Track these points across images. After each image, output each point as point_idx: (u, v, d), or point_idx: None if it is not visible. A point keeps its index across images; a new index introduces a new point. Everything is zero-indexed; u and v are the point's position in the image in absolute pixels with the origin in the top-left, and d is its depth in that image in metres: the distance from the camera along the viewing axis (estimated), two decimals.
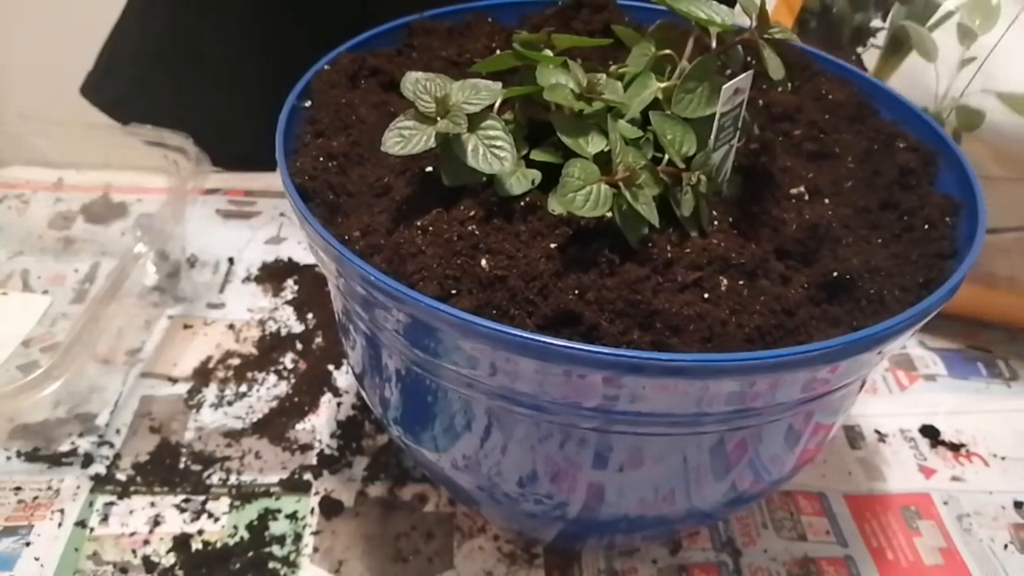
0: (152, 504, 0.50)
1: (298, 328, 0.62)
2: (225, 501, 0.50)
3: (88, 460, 0.52)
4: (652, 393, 0.33)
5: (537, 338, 0.32)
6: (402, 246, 0.37)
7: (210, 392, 0.57)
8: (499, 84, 0.39)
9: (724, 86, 0.38)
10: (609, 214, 0.36)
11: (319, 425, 0.55)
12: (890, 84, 0.57)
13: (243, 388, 0.57)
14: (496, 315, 0.34)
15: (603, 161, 0.37)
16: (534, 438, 0.37)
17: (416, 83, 0.39)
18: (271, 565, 0.47)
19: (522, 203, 0.38)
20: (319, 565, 0.47)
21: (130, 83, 0.87)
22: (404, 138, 0.38)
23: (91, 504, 0.50)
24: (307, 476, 0.52)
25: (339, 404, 0.57)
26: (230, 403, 0.56)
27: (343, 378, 0.58)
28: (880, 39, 0.58)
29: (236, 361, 0.59)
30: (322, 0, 0.78)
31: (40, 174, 0.73)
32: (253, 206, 0.73)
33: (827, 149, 0.47)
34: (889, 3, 0.57)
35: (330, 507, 0.50)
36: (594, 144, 0.38)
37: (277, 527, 0.49)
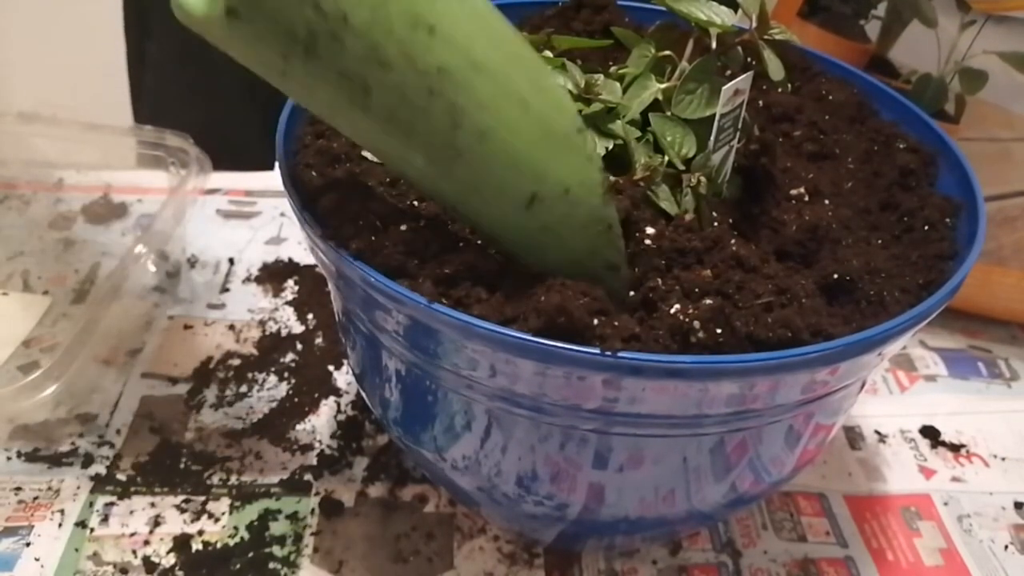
0: (152, 504, 0.50)
1: (298, 328, 0.62)
2: (225, 501, 0.50)
3: (88, 460, 0.52)
4: (652, 395, 0.33)
5: (537, 340, 0.32)
6: None
7: (210, 392, 0.57)
8: None
9: (724, 87, 0.38)
10: None
11: (319, 425, 0.55)
12: (893, 53, 0.57)
13: (243, 388, 0.57)
14: None
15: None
16: (534, 439, 0.37)
17: None
18: (271, 565, 0.47)
19: None
20: (319, 565, 0.48)
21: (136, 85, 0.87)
22: None
23: (91, 504, 0.50)
24: (307, 476, 0.52)
25: (339, 404, 0.57)
26: (230, 403, 0.56)
27: (343, 378, 0.58)
28: (881, 10, 0.58)
29: (236, 361, 0.59)
30: None
31: (40, 174, 0.72)
32: (253, 206, 0.73)
33: (827, 150, 0.47)
34: None
35: (330, 507, 0.50)
36: None
37: (277, 527, 0.49)
